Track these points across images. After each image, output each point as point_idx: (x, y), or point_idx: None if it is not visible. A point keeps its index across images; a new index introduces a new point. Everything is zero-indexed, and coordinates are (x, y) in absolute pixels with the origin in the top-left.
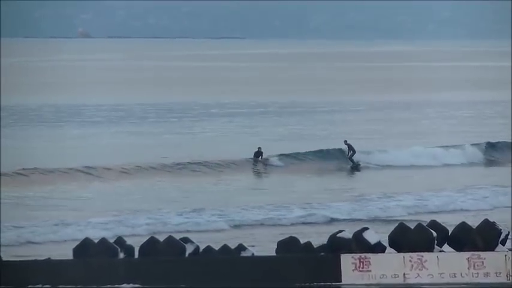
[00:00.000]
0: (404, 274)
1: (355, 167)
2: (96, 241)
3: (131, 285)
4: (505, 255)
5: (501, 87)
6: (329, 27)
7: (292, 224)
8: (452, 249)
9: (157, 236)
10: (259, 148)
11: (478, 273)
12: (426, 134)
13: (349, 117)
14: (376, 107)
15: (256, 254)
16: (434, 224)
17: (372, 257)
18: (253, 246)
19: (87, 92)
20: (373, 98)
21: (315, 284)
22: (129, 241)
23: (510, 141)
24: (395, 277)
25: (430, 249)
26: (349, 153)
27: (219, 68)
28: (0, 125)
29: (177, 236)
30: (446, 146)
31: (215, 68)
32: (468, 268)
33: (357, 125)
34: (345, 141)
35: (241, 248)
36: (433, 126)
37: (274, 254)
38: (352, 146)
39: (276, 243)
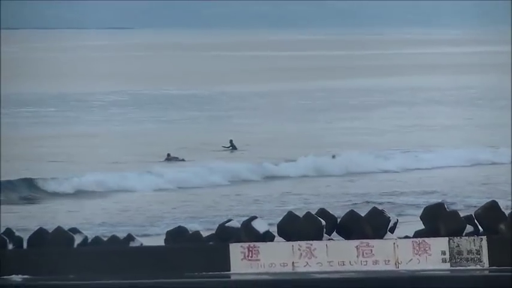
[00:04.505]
0: (293, 263)
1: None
2: None
3: (20, 276)
4: (394, 243)
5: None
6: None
7: None
8: (341, 238)
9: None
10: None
11: (367, 261)
12: None
13: None
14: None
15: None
16: (323, 212)
17: (261, 245)
18: None
19: None
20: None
21: (204, 273)
22: None
23: None
24: (284, 266)
25: (319, 237)
26: (230, 147)
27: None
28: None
29: None
30: None
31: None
32: (357, 256)
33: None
34: (231, 141)
35: (130, 238)
36: None
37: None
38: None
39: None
